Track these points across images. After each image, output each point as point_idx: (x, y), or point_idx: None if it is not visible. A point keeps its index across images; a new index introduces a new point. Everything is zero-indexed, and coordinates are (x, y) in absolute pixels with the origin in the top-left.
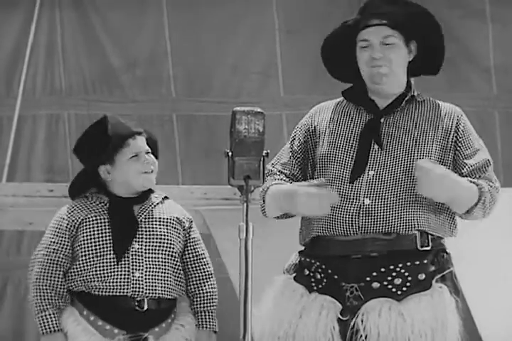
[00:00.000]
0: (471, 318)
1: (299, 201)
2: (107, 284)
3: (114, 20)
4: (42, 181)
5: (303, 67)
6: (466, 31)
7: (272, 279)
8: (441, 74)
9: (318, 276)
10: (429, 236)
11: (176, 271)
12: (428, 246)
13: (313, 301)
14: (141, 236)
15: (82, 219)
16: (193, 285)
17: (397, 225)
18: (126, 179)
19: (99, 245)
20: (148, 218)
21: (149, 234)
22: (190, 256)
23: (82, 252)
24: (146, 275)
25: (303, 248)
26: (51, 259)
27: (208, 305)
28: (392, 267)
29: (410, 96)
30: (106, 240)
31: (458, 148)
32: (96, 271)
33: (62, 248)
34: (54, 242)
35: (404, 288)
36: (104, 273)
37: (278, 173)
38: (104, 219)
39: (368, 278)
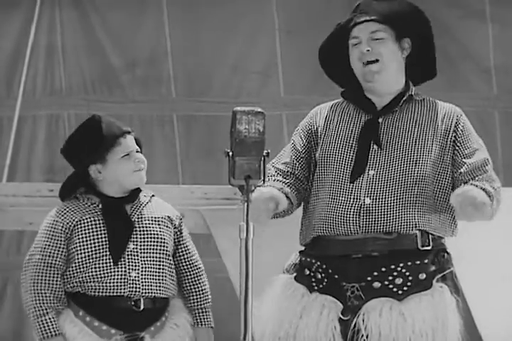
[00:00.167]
0: (471, 318)
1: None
2: (104, 285)
3: (114, 20)
4: (42, 181)
5: (303, 67)
6: (466, 31)
7: (272, 279)
8: (441, 74)
9: (319, 276)
10: (430, 236)
11: (170, 269)
12: (429, 245)
13: (314, 301)
14: (135, 236)
15: (77, 221)
16: (188, 282)
17: (397, 225)
18: (118, 178)
19: (95, 246)
20: (141, 217)
21: (143, 234)
22: (183, 253)
23: (78, 254)
24: (142, 275)
25: (303, 248)
26: (48, 263)
27: (204, 302)
28: (392, 267)
29: (408, 95)
30: (102, 241)
31: (457, 148)
32: (92, 272)
33: (59, 251)
34: (49, 245)
35: (405, 288)
36: (101, 274)
37: (275, 174)
38: (98, 220)
39: (368, 278)
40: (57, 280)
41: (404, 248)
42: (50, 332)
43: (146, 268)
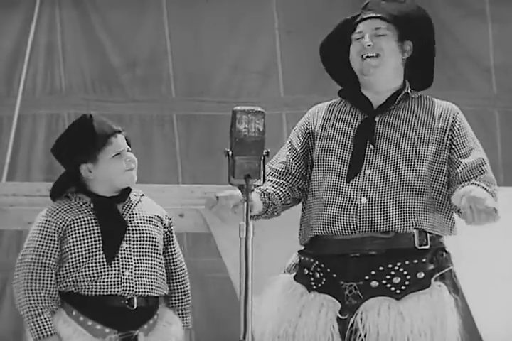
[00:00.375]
0: (470, 317)
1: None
2: (98, 284)
3: (114, 20)
4: (42, 181)
5: (303, 67)
6: (466, 31)
7: (271, 279)
8: (441, 73)
9: (318, 275)
10: (428, 235)
11: (161, 268)
12: (427, 244)
13: (313, 300)
14: (128, 235)
15: (71, 221)
16: (173, 282)
17: (394, 224)
18: (109, 177)
19: (89, 246)
20: (133, 217)
21: (136, 233)
22: (170, 253)
23: (71, 253)
24: (135, 274)
25: (302, 247)
26: (41, 262)
27: (185, 303)
28: (390, 266)
29: (405, 93)
30: (95, 241)
31: (453, 146)
32: (86, 271)
33: (52, 250)
34: (43, 245)
35: (403, 287)
36: (94, 273)
37: (269, 175)
38: (91, 220)
39: (366, 277)
40: (51, 280)
41: (402, 247)
42: (46, 332)
43: (139, 267)
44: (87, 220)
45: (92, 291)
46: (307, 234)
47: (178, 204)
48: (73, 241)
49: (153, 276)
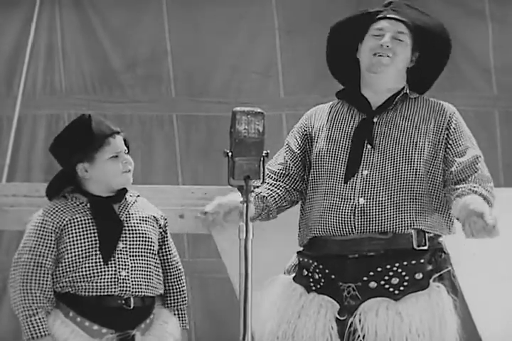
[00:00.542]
0: (469, 318)
1: None
2: (94, 284)
3: (114, 20)
4: (42, 181)
5: (303, 67)
6: (466, 31)
7: (271, 279)
8: (441, 73)
9: (317, 276)
10: (426, 235)
11: (157, 268)
12: (425, 245)
13: (312, 301)
14: (124, 235)
15: (68, 221)
16: (168, 283)
17: (392, 224)
18: (105, 178)
19: (85, 246)
20: (129, 217)
21: (132, 233)
22: (165, 254)
23: (67, 254)
24: (132, 273)
25: (301, 248)
26: (38, 262)
27: (181, 303)
28: (388, 266)
29: (403, 94)
30: (92, 241)
31: (449, 146)
32: (83, 271)
33: (49, 250)
34: (39, 245)
35: (401, 288)
36: (91, 274)
37: (266, 177)
38: (88, 220)
39: (365, 278)
40: (47, 280)
41: (400, 247)
42: (40, 333)
43: (135, 267)
44: (84, 220)
45: (88, 292)
46: (306, 234)
47: (178, 205)
48: (70, 241)
49: (149, 276)
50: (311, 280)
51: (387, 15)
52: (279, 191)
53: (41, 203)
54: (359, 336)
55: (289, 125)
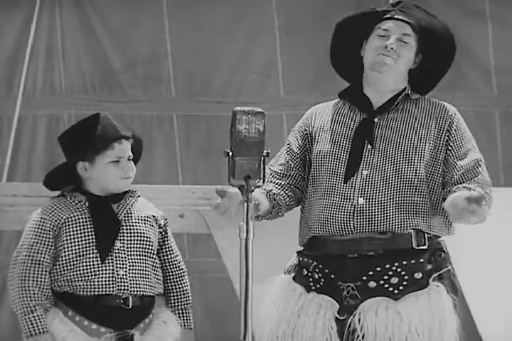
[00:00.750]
0: (469, 317)
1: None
2: (92, 283)
3: (114, 20)
4: (42, 181)
5: (303, 67)
6: (466, 31)
7: (271, 279)
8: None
9: (316, 276)
10: (425, 235)
11: (155, 268)
12: (424, 245)
13: (311, 301)
14: (122, 234)
15: (65, 219)
16: (170, 283)
17: (391, 224)
18: (102, 180)
19: (82, 244)
20: (128, 216)
21: (130, 232)
22: (166, 253)
23: (65, 252)
24: (129, 273)
25: (301, 248)
26: (36, 260)
27: (185, 302)
28: (388, 266)
29: (405, 94)
30: (89, 240)
31: (449, 147)
32: (80, 270)
33: (47, 248)
34: (37, 243)
35: (400, 287)
36: (88, 273)
37: (269, 176)
38: (86, 218)
39: (364, 278)
40: (44, 278)
41: (400, 247)
42: (39, 330)
43: (133, 266)
44: (82, 219)
45: (86, 291)
46: (305, 234)
47: (179, 204)
48: (67, 240)
49: (147, 275)
50: (311, 279)
51: (395, 16)
52: (286, 190)
53: (41, 203)
54: (358, 335)
55: (290, 125)
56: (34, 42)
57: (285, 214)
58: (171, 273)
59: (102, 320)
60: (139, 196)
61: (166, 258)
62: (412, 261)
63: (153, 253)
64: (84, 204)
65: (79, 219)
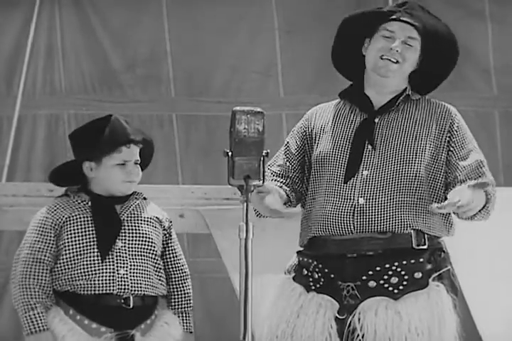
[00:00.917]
0: (469, 317)
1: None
2: (92, 282)
3: (114, 20)
4: (42, 181)
5: (303, 67)
6: (466, 31)
7: (270, 279)
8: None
9: (316, 276)
10: (425, 236)
11: (157, 269)
12: (424, 244)
13: (311, 300)
14: (124, 234)
15: (67, 218)
16: (172, 285)
17: (391, 224)
18: (106, 182)
19: (83, 243)
20: (130, 217)
21: (132, 233)
22: (170, 256)
23: (66, 251)
24: (130, 272)
25: (302, 248)
26: (37, 258)
27: (186, 306)
28: (387, 266)
29: (405, 95)
30: (90, 238)
31: (451, 148)
32: (80, 269)
33: (48, 246)
34: (39, 241)
35: (400, 287)
36: (88, 272)
37: (271, 175)
38: (87, 217)
39: (364, 277)
40: (45, 276)
41: (399, 247)
42: (38, 327)
43: (134, 265)
44: (83, 218)
45: (87, 290)
46: (306, 234)
47: (178, 204)
48: (68, 238)
49: (148, 275)
50: (311, 279)
51: (401, 18)
52: (288, 191)
53: (41, 203)
54: (358, 335)
55: (289, 125)
56: (34, 41)
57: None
58: (173, 276)
59: (103, 319)
60: (145, 198)
61: (169, 260)
62: (412, 261)
63: (156, 254)
64: (87, 203)
65: (80, 218)
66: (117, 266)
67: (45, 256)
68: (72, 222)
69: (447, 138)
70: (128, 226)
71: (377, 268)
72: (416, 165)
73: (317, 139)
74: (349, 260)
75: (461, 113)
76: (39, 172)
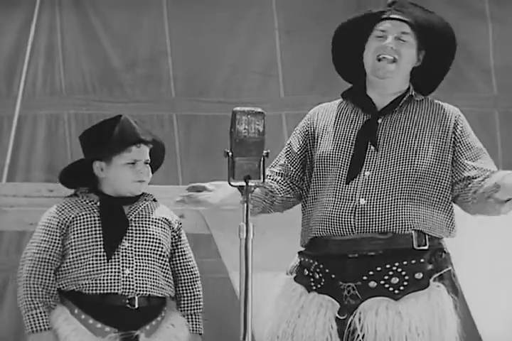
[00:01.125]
0: (470, 317)
1: None
2: (97, 282)
3: (114, 20)
4: (42, 181)
5: (303, 67)
6: (466, 31)
7: (271, 279)
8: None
9: (317, 276)
10: (426, 236)
11: (164, 270)
12: (425, 245)
13: (312, 300)
14: (131, 234)
15: (73, 218)
16: (181, 287)
17: (392, 225)
18: (116, 182)
19: (89, 243)
20: (138, 217)
21: (139, 233)
22: (179, 257)
23: (72, 250)
24: (136, 272)
25: (302, 249)
26: (42, 258)
27: (196, 308)
28: (388, 266)
29: (408, 96)
30: (96, 238)
31: (457, 149)
32: (86, 268)
33: (53, 246)
34: (45, 240)
35: (401, 287)
36: (94, 271)
37: (269, 176)
38: (94, 217)
39: (364, 277)
40: (49, 276)
41: (400, 247)
42: (40, 327)
43: (139, 266)
44: (90, 217)
45: (92, 289)
46: (307, 234)
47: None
48: (74, 238)
49: (154, 276)
50: (312, 279)
51: (391, 16)
52: (282, 185)
53: (42, 203)
54: (359, 335)
55: (289, 125)
56: (34, 42)
57: (281, 216)
58: (182, 278)
59: (107, 319)
60: (154, 200)
61: (178, 262)
62: (413, 261)
63: (163, 255)
64: (96, 203)
65: (87, 217)
66: (123, 266)
67: (50, 255)
68: (79, 221)
69: (452, 139)
70: (135, 226)
71: (378, 269)
72: (418, 166)
73: (319, 139)
74: (350, 260)
75: None
76: (39, 172)
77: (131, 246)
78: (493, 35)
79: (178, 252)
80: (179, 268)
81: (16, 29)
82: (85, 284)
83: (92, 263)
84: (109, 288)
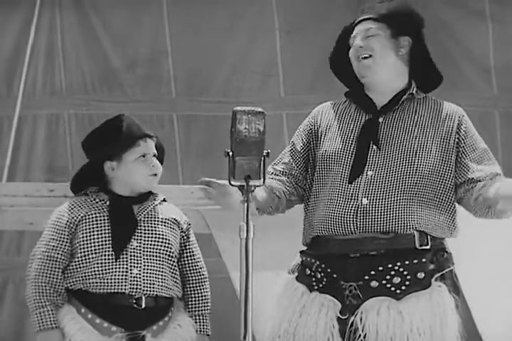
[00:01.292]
0: (470, 317)
1: None
2: (105, 281)
3: (114, 20)
4: (42, 181)
5: (303, 67)
6: (466, 31)
7: (271, 279)
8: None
9: (319, 275)
10: (428, 236)
11: (172, 271)
12: (427, 245)
13: (314, 300)
14: (139, 234)
15: (82, 217)
16: (189, 288)
17: (394, 225)
18: (130, 179)
19: (98, 242)
20: (148, 217)
21: (148, 233)
22: (188, 258)
23: (80, 249)
24: (143, 272)
25: (304, 248)
26: (50, 256)
27: (204, 308)
28: (390, 266)
29: (409, 93)
30: (105, 237)
31: (461, 150)
32: (94, 267)
33: (62, 245)
34: (53, 239)
35: (403, 287)
36: (102, 270)
37: (271, 174)
38: (103, 216)
39: (366, 277)
40: (57, 275)
41: (402, 247)
42: (48, 325)
43: (147, 266)
44: (99, 217)
45: (99, 289)
46: (309, 234)
47: (179, 204)
48: (83, 237)
49: (162, 276)
50: (314, 279)
51: (358, 20)
52: (287, 186)
53: (42, 203)
54: (360, 335)
55: (290, 124)
56: (34, 42)
57: (281, 216)
58: (191, 278)
59: (114, 318)
60: (164, 200)
61: (186, 262)
62: (415, 261)
63: (172, 256)
64: (105, 203)
65: (96, 217)
66: (130, 266)
67: (58, 254)
68: (87, 220)
69: (456, 140)
70: (144, 226)
71: (380, 268)
72: (421, 165)
73: (322, 137)
74: (352, 260)
75: None
76: (39, 172)
77: (139, 246)
78: (493, 35)
79: (186, 253)
80: (187, 269)
81: (16, 29)
82: (93, 283)
83: (100, 263)
84: (116, 287)
